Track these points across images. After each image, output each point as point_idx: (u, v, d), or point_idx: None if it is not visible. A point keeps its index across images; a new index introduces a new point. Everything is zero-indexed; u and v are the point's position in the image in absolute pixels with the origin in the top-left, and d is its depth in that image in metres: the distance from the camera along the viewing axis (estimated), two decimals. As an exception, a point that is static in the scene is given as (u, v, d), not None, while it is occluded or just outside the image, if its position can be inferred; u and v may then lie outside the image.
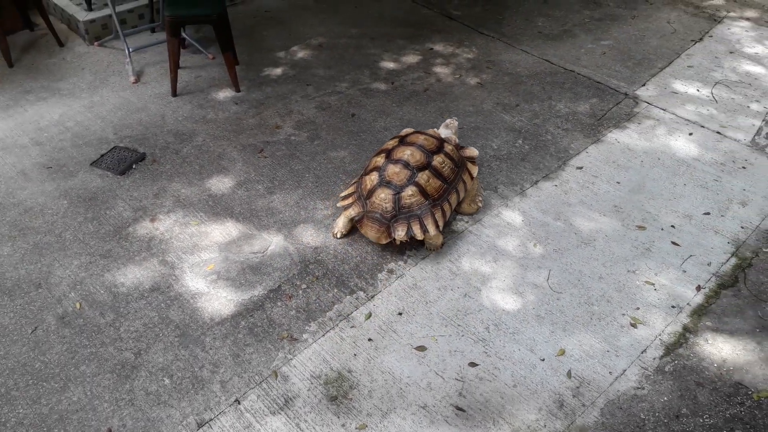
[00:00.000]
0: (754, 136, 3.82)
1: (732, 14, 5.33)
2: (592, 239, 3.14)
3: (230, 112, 4.06)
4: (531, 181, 3.52)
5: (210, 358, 2.55)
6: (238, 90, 4.25)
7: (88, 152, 3.66)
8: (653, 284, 2.90)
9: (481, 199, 3.32)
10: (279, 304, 2.79)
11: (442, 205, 2.98)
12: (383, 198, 2.91)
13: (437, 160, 3.00)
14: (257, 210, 3.29)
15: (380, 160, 3.04)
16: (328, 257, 3.03)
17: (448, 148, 3.09)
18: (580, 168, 3.60)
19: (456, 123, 3.38)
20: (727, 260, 3.02)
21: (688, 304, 2.81)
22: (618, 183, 3.48)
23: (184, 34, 4.65)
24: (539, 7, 5.45)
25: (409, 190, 2.91)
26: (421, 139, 3.07)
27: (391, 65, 4.62)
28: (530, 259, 3.03)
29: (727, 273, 2.96)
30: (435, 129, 3.33)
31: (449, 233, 3.17)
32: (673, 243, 3.11)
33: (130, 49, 4.43)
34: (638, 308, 2.79)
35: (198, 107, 4.09)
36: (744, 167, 3.60)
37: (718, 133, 3.88)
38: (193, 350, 2.58)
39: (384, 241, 2.94)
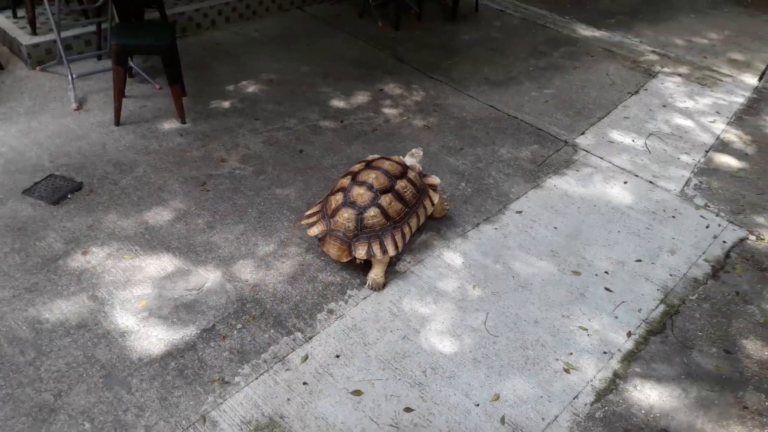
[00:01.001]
0: (684, 186, 4.01)
1: (666, 69, 5.64)
2: (529, 283, 3.20)
3: (174, 143, 4.00)
4: (473, 224, 3.58)
5: (135, 400, 2.44)
6: (183, 121, 4.20)
7: (20, 180, 3.53)
8: (586, 329, 2.97)
9: (447, 206, 3.59)
10: (212, 344, 2.71)
11: (402, 227, 3.13)
12: (347, 217, 3.03)
13: (400, 184, 3.14)
14: (195, 245, 3.22)
15: (346, 181, 3.17)
16: (267, 296, 2.98)
17: (411, 174, 3.25)
18: (520, 212, 3.69)
19: (421, 152, 3.54)
20: (656, 307, 3.13)
21: (618, 350, 2.88)
22: (555, 228, 3.58)
23: (131, 63, 4.59)
24: (487, 55, 5.64)
25: (372, 212, 3.03)
26: (386, 164, 3.21)
27: (341, 104, 4.66)
28: (469, 302, 3.06)
29: (656, 320, 3.06)
30: (400, 156, 3.46)
31: (391, 273, 3.17)
32: (607, 289, 3.20)
33: (74, 75, 4.33)
34: (571, 353, 2.84)
35: (141, 137, 4.02)
36: (674, 216, 3.77)
37: (650, 182, 4.06)
38: (118, 392, 2.47)
39: (345, 259, 3.06)
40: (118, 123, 4.11)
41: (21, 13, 4.99)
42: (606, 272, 3.30)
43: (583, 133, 4.53)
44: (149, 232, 3.28)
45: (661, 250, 3.49)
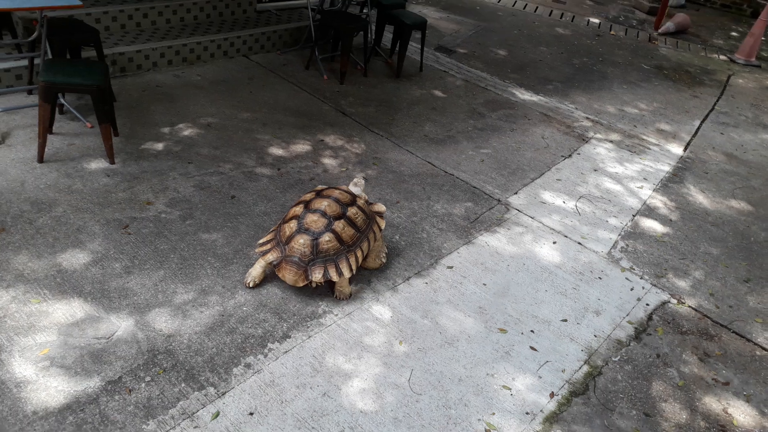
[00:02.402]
0: (610, 249, 4.11)
1: (598, 135, 5.88)
2: (455, 339, 3.16)
3: (100, 183, 3.85)
4: (403, 277, 3.54)
5: (21, 459, 2.24)
6: (112, 162, 4.06)
7: (-76, 214, 3.31)
8: (510, 389, 2.93)
9: (384, 254, 3.59)
10: (116, 397, 2.53)
11: (356, 251, 3.27)
12: (302, 243, 3.15)
13: (351, 211, 3.30)
14: (110, 290, 3.06)
15: (299, 209, 3.30)
16: (181, 347, 2.83)
17: (360, 201, 3.42)
18: (451, 267, 3.68)
19: (363, 181, 3.64)
20: (580, 368, 3.13)
21: (541, 410, 2.85)
22: (484, 285, 3.58)
23: (62, 100, 4.46)
24: (428, 113, 5.76)
25: (327, 236, 3.17)
26: (336, 193, 3.37)
27: (279, 151, 4.63)
28: (394, 357, 2.99)
29: (579, 381, 3.05)
30: (346, 185, 3.58)
31: (317, 326, 3.08)
32: (532, 348, 3.19)
33: (-1, 109, 4.17)
34: (494, 414, 2.79)
35: (65, 176, 3.85)
36: (600, 278, 3.84)
37: (579, 243, 4.14)
38: (1, 450, 2.26)
39: (301, 284, 3.15)
40: (41, 160, 3.94)
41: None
42: (532, 331, 3.30)
43: (516, 193, 4.62)
44: (61, 276, 3.10)
45: (587, 311, 3.53)
